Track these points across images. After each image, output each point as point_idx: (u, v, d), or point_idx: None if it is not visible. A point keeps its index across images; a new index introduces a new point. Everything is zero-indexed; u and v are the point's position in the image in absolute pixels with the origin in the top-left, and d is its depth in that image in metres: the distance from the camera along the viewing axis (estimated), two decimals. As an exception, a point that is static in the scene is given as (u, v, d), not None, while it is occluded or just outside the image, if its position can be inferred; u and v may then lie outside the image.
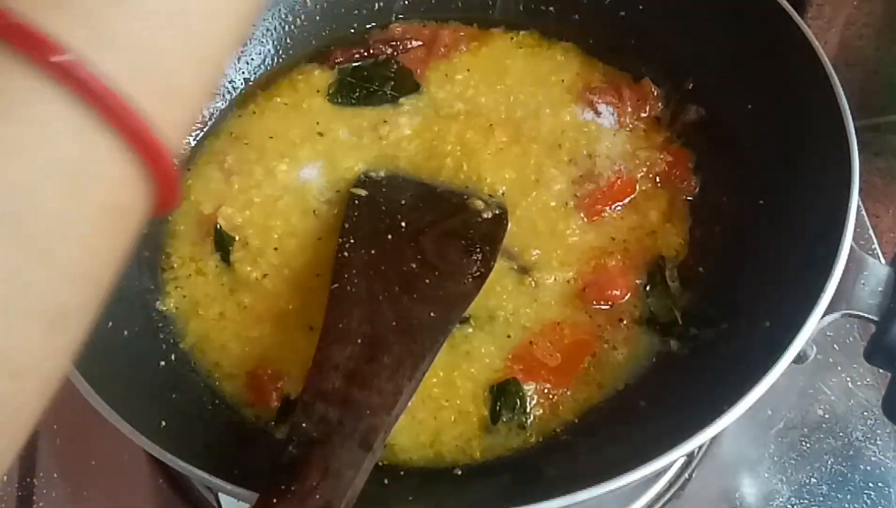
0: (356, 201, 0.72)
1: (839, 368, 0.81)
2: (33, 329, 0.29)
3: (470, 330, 0.68)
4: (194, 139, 0.81)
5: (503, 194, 0.74)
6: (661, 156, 0.76)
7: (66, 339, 0.31)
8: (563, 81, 0.82)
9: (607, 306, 0.69)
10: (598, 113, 0.79)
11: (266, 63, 0.86)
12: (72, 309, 0.31)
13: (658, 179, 0.75)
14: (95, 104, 0.29)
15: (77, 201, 0.30)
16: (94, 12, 0.30)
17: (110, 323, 0.64)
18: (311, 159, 0.77)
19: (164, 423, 0.58)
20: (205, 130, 0.81)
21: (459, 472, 0.63)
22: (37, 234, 0.29)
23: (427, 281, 0.65)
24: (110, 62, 0.30)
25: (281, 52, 0.86)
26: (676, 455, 0.52)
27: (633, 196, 0.75)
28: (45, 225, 0.29)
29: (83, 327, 0.32)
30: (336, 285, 0.64)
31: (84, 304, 0.32)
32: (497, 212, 0.73)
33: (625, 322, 0.69)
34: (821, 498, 0.75)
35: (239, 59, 0.84)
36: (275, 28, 0.86)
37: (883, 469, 0.76)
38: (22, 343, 0.29)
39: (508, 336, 0.68)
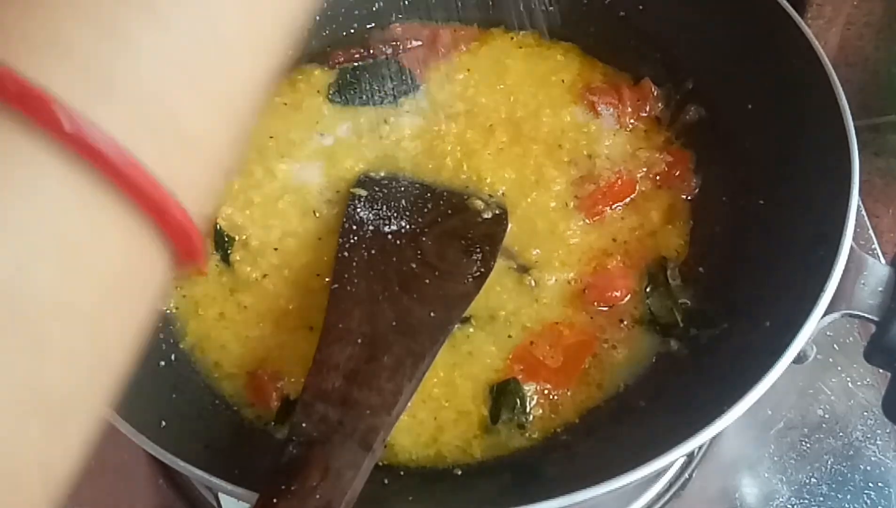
0: (356, 201, 0.72)
1: (839, 368, 0.81)
2: (31, 425, 0.25)
3: (471, 330, 0.68)
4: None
5: (503, 194, 0.74)
6: (661, 156, 0.76)
7: (74, 429, 0.27)
8: (563, 81, 0.82)
9: (608, 307, 0.69)
10: (598, 113, 0.79)
11: (266, 63, 0.86)
12: (76, 397, 0.27)
13: (658, 180, 0.75)
14: (95, 164, 0.25)
15: (75, 278, 0.25)
16: (88, 55, 0.25)
17: (110, 323, 0.64)
18: (311, 159, 0.77)
19: (164, 423, 0.58)
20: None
21: (459, 472, 0.63)
22: (27, 319, 0.24)
23: (427, 281, 0.65)
24: (110, 114, 0.25)
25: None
26: (676, 455, 0.52)
27: (633, 197, 0.75)
28: (37, 308, 0.24)
29: (96, 411, 0.28)
30: (336, 285, 0.64)
31: (94, 389, 0.27)
32: (497, 212, 0.73)
33: (625, 323, 0.69)
34: (821, 498, 0.75)
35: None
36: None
37: (883, 469, 0.76)
38: (18, 442, 0.24)
39: (509, 336, 0.68)
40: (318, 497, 0.48)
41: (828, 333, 0.82)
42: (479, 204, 0.73)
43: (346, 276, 0.65)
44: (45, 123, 0.24)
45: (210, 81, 0.28)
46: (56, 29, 0.25)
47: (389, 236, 0.69)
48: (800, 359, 0.56)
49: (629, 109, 0.79)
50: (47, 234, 0.25)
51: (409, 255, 0.67)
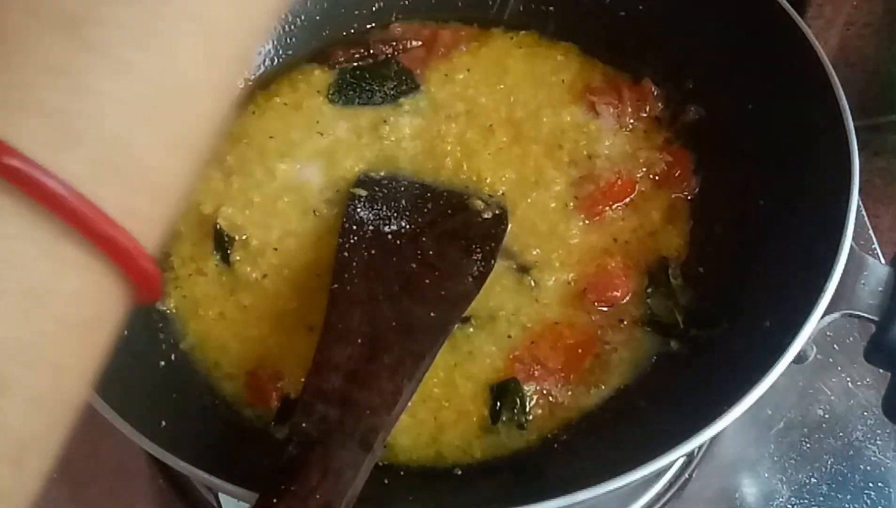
0: (356, 201, 0.72)
1: (839, 368, 0.81)
2: None
3: (471, 330, 0.68)
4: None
5: (503, 194, 0.74)
6: (661, 156, 0.76)
7: (36, 468, 0.28)
8: (563, 81, 0.82)
9: (608, 307, 0.69)
10: (597, 113, 0.79)
11: (266, 63, 0.86)
12: (40, 437, 0.27)
13: (658, 180, 0.75)
14: (55, 210, 0.25)
15: (36, 321, 0.26)
16: (52, 107, 0.26)
17: (110, 323, 0.64)
18: (311, 159, 0.77)
19: (164, 423, 0.58)
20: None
21: (459, 472, 0.63)
22: None
23: (427, 281, 0.65)
24: (74, 162, 0.26)
25: (281, 52, 0.86)
26: (676, 455, 0.52)
27: (633, 197, 0.74)
28: None
29: (55, 447, 0.29)
30: (336, 285, 0.64)
31: (54, 426, 0.28)
32: (497, 212, 0.73)
33: (625, 323, 0.69)
34: (821, 498, 0.75)
35: (239, 59, 0.84)
36: (275, 28, 0.86)
37: (883, 469, 0.76)
38: None
39: (509, 336, 0.68)
40: (318, 497, 0.48)
41: (828, 333, 0.82)
42: (479, 204, 0.73)
43: (345, 276, 0.65)
44: (1, 170, 0.24)
45: (170, 122, 0.29)
46: (14, 78, 0.25)
47: (389, 236, 0.69)
48: (800, 359, 0.56)
49: (629, 109, 0.78)
50: (6, 279, 0.25)
51: (409, 255, 0.67)
